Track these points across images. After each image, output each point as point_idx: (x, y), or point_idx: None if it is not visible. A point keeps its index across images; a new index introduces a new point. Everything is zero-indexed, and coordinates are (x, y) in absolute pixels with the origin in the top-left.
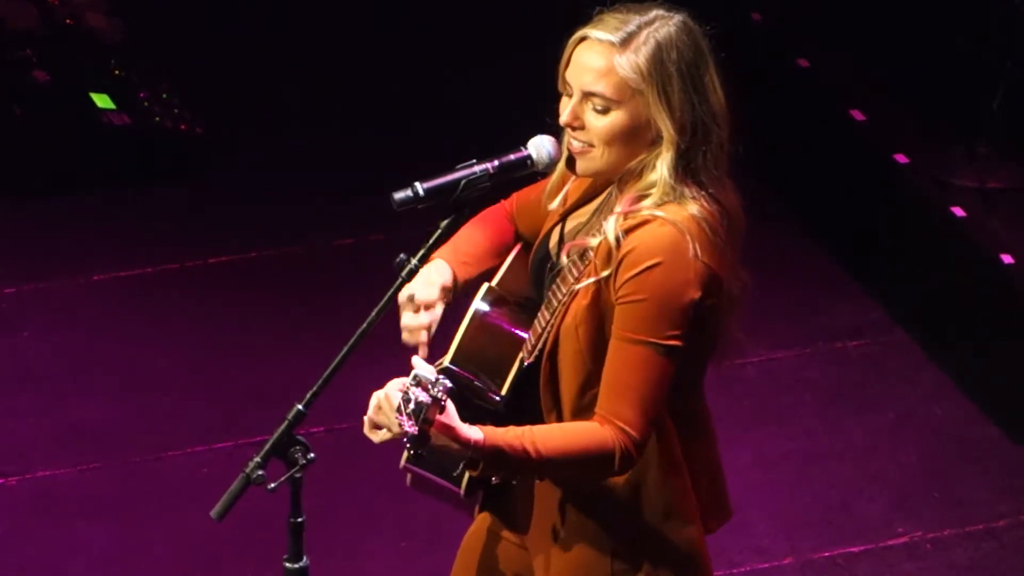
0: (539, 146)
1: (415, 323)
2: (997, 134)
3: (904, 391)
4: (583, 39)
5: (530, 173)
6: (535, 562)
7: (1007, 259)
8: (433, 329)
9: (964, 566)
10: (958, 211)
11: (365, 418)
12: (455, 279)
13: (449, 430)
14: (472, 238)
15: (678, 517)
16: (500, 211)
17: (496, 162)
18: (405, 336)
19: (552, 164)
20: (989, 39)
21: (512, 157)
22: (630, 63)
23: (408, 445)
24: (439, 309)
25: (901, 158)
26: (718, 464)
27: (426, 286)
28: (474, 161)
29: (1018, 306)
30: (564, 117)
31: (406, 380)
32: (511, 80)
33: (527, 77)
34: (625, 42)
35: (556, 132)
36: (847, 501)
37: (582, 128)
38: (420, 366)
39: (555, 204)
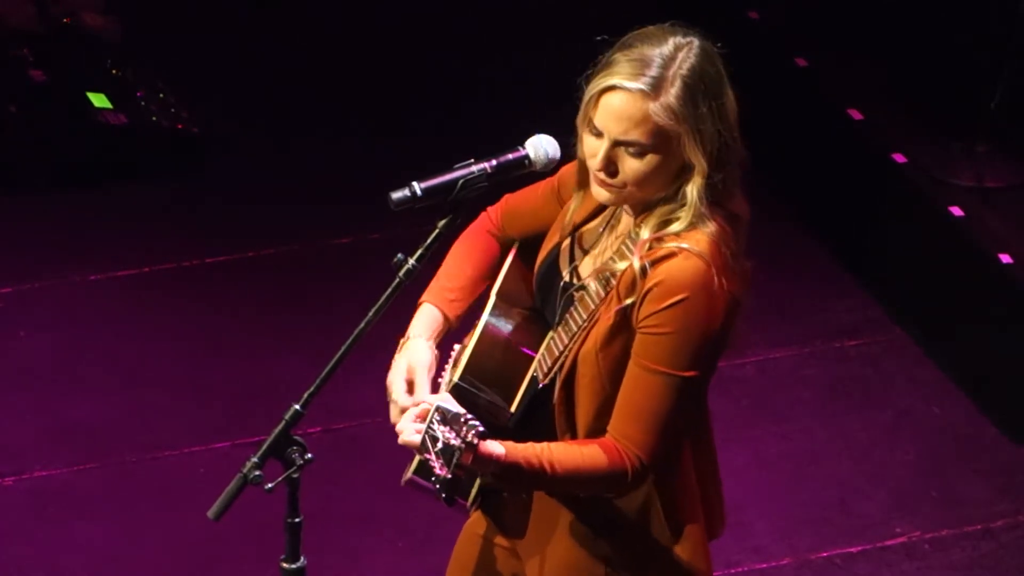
0: (537, 146)
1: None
2: (995, 133)
3: (903, 390)
4: (611, 87)
5: (528, 173)
6: (528, 566)
7: (1005, 258)
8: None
9: (962, 566)
10: (956, 210)
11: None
12: (446, 320)
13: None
14: (456, 270)
15: (685, 537)
16: (481, 231)
17: (494, 161)
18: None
19: (549, 164)
20: (987, 38)
21: (510, 157)
22: (664, 107)
23: (437, 488)
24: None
25: (899, 157)
26: (717, 472)
27: (403, 375)
28: (472, 160)
29: (1016, 305)
30: (597, 163)
31: (427, 405)
32: (511, 80)
33: (527, 77)
34: (655, 88)
35: (555, 134)
36: (845, 501)
37: (616, 173)
38: (443, 397)
39: (568, 218)
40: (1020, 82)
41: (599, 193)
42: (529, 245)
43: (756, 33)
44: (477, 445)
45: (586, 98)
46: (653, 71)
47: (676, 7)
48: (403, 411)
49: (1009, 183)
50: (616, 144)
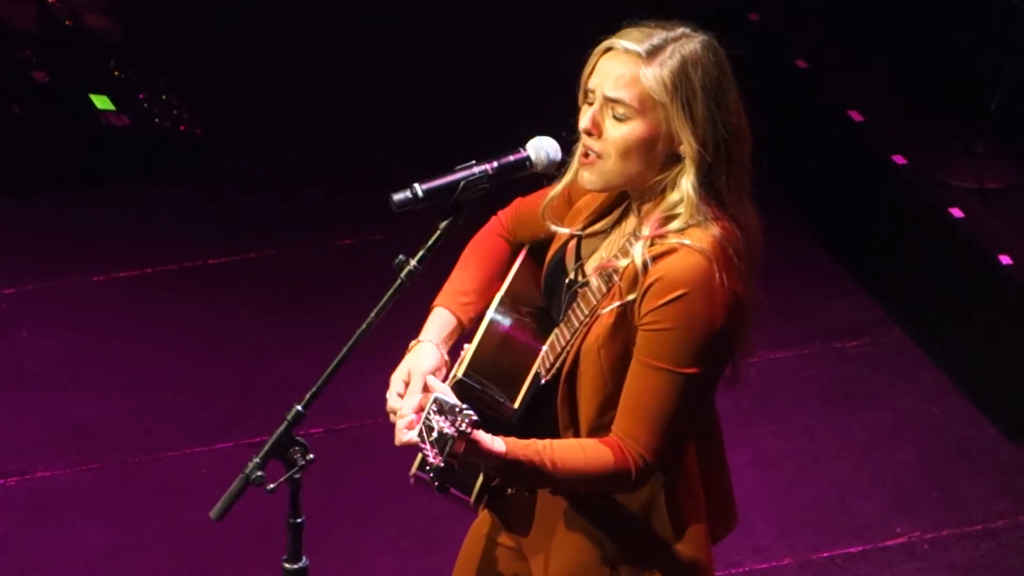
0: (538, 147)
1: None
2: (995, 134)
3: (903, 391)
4: (609, 49)
5: (529, 174)
6: (532, 564)
7: (1005, 259)
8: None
9: (962, 566)
10: (956, 211)
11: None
12: (459, 323)
13: (474, 444)
14: (468, 273)
15: (688, 536)
16: (491, 234)
17: (495, 163)
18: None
19: (551, 166)
20: (987, 38)
21: (511, 158)
22: (655, 75)
23: (432, 476)
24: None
25: (899, 159)
26: (727, 472)
27: (402, 378)
28: (473, 162)
29: (1016, 305)
30: (584, 123)
31: (428, 399)
32: (512, 81)
33: (528, 78)
34: (651, 54)
35: (557, 135)
36: (846, 501)
37: (600, 136)
38: (441, 389)
39: (575, 226)
40: (1020, 82)
41: (583, 177)
42: (541, 246)
43: (757, 35)
44: (470, 433)
45: (587, 65)
46: (655, 40)
47: (678, 9)
48: (391, 412)
49: (1009, 183)
50: (605, 103)
